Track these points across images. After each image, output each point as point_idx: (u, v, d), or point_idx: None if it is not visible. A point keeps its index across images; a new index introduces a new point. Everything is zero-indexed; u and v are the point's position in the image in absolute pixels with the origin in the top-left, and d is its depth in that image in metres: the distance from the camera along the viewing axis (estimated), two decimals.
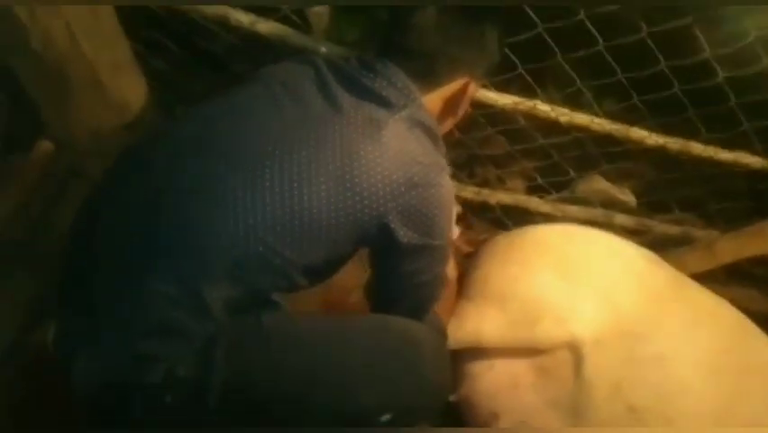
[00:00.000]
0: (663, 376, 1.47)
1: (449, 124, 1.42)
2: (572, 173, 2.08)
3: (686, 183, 2.02)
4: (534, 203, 2.15)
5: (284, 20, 1.63)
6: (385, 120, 1.20)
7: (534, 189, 2.26)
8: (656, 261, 1.75)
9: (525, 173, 2.25)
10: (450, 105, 1.35)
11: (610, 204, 2.23)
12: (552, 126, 1.82)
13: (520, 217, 2.19)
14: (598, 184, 2.22)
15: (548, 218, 2.13)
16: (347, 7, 1.81)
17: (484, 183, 2.28)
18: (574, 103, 1.77)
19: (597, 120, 1.72)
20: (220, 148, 1.18)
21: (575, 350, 1.55)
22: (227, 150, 1.18)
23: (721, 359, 1.51)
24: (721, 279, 2.37)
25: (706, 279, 2.31)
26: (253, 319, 1.18)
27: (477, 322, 1.66)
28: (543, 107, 1.70)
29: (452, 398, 1.73)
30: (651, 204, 2.25)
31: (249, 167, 1.15)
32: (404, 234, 1.21)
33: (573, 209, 2.16)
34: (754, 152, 1.78)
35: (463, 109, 1.39)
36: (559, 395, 1.54)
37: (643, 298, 1.60)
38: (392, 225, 1.19)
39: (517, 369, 1.62)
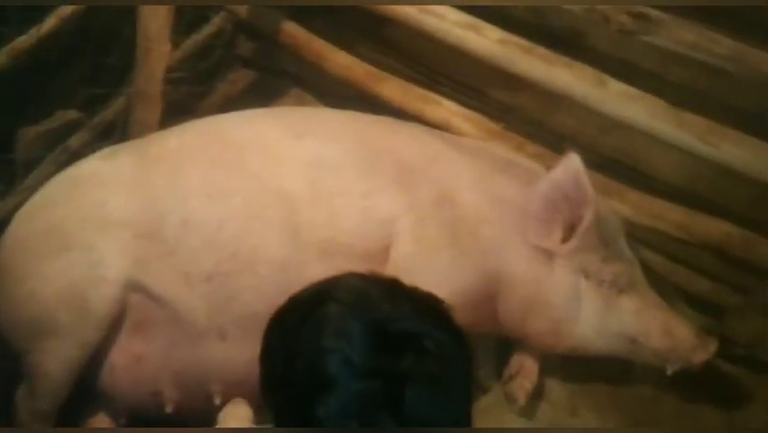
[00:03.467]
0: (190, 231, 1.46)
1: None
2: None
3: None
4: None
5: None
6: None
7: None
8: (111, 153, 1.64)
9: None
10: None
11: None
12: None
13: None
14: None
15: None
16: None
17: None
18: None
19: None
20: None
21: (131, 284, 1.44)
22: None
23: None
24: None
25: None
26: None
27: None
28: None
29: (122, 421, 1.59)
30: None
31: None
32: None
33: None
34: None
35: None
36: (166, 331, 1.46)
37: (139, 202, 1.49)
38: None
39: (124, 349, 1.49)
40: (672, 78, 1.78)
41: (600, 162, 1.82)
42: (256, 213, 1.48)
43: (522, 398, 1.67)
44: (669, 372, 1.57)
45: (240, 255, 1.45)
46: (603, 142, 1.93)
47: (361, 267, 1.45)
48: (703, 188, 1.83)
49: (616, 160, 1.96)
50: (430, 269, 1.48)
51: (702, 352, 1.53)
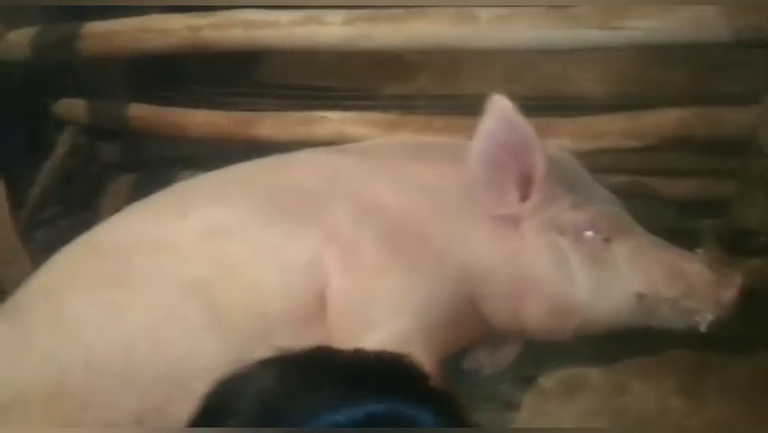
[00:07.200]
0: None
1: None
2: None
3: None
4: None
5: None
6: None
7: None
8: None
9: None
10: None
11: None
12: None
13: None
14: None
15: None
16: None
17: None
18: None
19: None
20: None
21: None
22: None
23: None
24: None
25: None
26: None
27: None
28: None
29: None
30: None
31: None
32: None
33: None
34: None
35: None
36: None
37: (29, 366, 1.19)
38: None
39: None
40: None
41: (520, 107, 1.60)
42: (164, 319, 1.17)
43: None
44: (702, 327, 1.24)
45: (163, 379, 1.14)
46: (512, 85, 1.71)
47: (306, 333, 1.23)
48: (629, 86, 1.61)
49: (534, 97, 1.74)
50: (379, 298, 1.20)
51: (728, 288, 1.21)
